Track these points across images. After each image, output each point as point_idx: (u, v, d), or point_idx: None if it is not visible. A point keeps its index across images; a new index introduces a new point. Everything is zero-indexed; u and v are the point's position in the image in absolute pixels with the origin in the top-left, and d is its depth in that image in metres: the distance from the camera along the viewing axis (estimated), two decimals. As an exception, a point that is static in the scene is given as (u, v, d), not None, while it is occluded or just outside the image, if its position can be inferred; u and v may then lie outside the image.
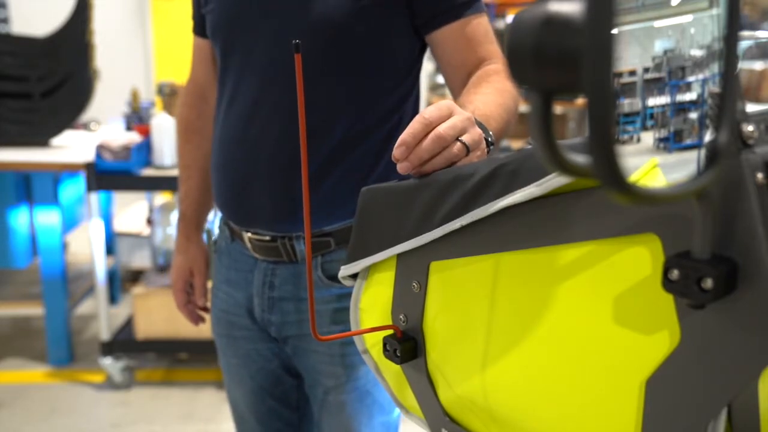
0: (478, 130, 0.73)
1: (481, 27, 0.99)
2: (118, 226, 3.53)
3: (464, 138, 0.70)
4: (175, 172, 2.52)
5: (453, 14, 0.97)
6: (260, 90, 1.00)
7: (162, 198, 3.44)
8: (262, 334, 1.13)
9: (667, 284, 0.43)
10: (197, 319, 1.29)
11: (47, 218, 2.75)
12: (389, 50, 1.00)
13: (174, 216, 2.87)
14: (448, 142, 0.69)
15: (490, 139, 0.77)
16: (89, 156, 2.53)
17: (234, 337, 1.16)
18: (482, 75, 0.96)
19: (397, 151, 0.67)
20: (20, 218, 2.77)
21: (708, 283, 0.41)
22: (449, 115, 0.70)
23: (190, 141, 1.20)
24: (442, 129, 0.68)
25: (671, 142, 0.45)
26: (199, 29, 1.15)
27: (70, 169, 2.73)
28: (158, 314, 2.65)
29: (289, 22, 0.97)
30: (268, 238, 1.05)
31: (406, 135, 0.68)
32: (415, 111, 1.07)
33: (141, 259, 3.42)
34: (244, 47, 1.00)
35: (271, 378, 1.16)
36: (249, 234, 1.07)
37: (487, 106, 0.87)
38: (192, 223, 1.24)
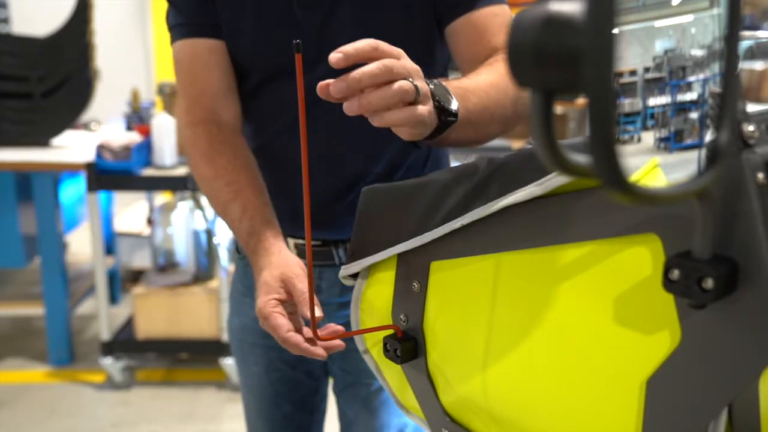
0: (426, 85, 0.68)
1: (497, 18, 0.95)
2: (119, 226, 3.53)
3: (416, 82, 0.65)
4: (176, 172, 2.53)
5: (465, 6, 0.94)
6: (308, 108, 0.97)
7: (162, 198, 3.44)
8: None
9: (668, 284, 0.43)
10: (321, 349, 0.81)
11: (47, 218, 2.75)
12: (436, 58, 1.00)
13: (175, 215, 2.88)
14: (395, 76, 0.63)
15: (449, 107, 0.72)
16: (89, 156, 2.53)
17: (260, 345, 1.14)
18: (491, 61, 0.92)
19: (333, 57, 0.62)
20: (20, 218, 2.77)
21: (709, 283, 0.41)
22: (399, 57, 0.66)
23: (223, 153, 0.98)
24: (390, 61, 0.63)
25: (672, 142, 0.45)
26: (211, 30, 1.00)
27: (71, 169, 2.74)
28: (158, 314, 2.65)
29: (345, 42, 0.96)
30: (318, 242, 1.04)
31: (348, 46, 0.62)
32: None
33: (141, 259, 3.42)
34: (291, 67, 0.97)
35: (292, 384, 1.16)
36: (295, 240, 1.05)
37: (473, 82, 0.82)
38: (268, 234, 0.92)
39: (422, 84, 0.67)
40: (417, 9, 0.96)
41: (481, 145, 0.90)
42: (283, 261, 0.87)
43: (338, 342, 0.79)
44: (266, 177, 0.98)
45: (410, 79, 0.64)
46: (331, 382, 1.19)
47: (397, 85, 0.63)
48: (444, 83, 0.75)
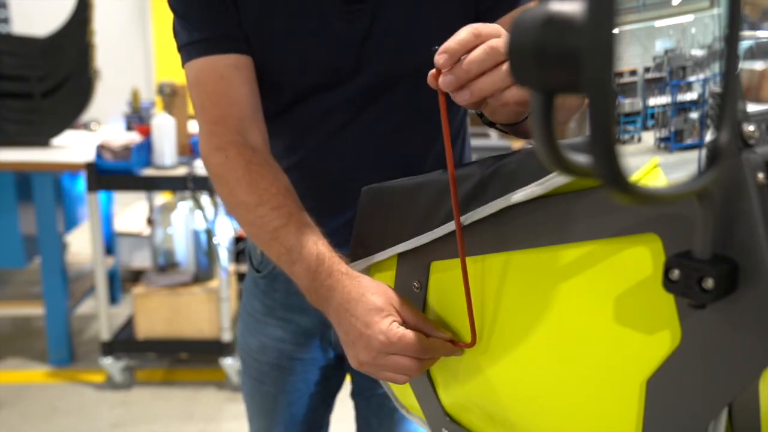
0: None
1: None
2: (119, 226, 3.54)
3: None
4: (176, 172, 2.53)
5: (508, 4, 0.89)
6: (350, 118, 0.94)
7: (162, 198, 3.44)
8: (324, 360, 1.08)
9: (668, 284, 0.43)
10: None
11: (47, 218, 2.75)
12: None
13: (175, 215, 2.88)
14: (502, 58, 0.59)
15: None
16: (89, 156, 2.54)
17: (280, 366, 1.09)
18: None
19: (440, 58, 0.60)
20: (20, 218, 2.77)
21: (709, 283, 0.41)
22: (499, 35, 0.62)
23: (264, 176, 0.88)
24: (496, 42, 0.60)
25: (672, 142, 0.45)
26: (235, 44, 0.91)
27: (71, 169, 2.74)
28: (158, 314, 2.65)
29: (392, 60, 0.91)
30: None
31: (451, 42, 0.60)
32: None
33: (141, 259, 3.42)
34: (328, 80, 0.93)
35: (310, 404, 1.13)
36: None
37: None
38: (337, 258, 0.81)
39: None
40: (458, 13, 0.91)
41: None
42: (380, 286, 0.75)
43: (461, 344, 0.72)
44: (305, 195, 0.90)
45: None
46: (348, 386, 1.16)
47: (505, 66, 0.60)
48: None
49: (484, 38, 0.60)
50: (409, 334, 0.69)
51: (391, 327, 0.71)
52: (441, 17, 0.91)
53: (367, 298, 0.73)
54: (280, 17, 0.89)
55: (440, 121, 0.87)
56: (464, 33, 0.60)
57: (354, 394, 1.15)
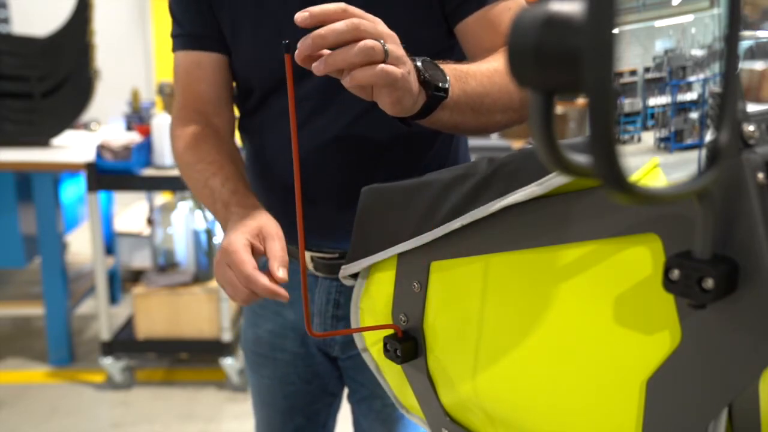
0: (402, 51, 0.67)
1: (510, 13, 0.91)
2: (119, 226, 3.54)
3: (386, 45, 0.64)
4: (176, 172, 2.52)
5: (477, 3, 0.91)
6: (316, 111, 0.96)
7: (162, 198, 3.44)
8: (309, 356, 1.09)
9: (668, 284, 0.43)
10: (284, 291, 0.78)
11: (47, 218, 2.75)
12: (454, 56, 0.96)
13: (175, 215, 2.88)
14: (362, 35, 0.62)
15: (439, 83, 0.72)
16: (90, 156, 2.54)
17: (274, 358, 1.12)
18: (500, 50, 0.88)
19: (299, 15, 0.63)
20: (20, 218, 2.77)
21: (709, 284, 0.41)
22: (374, 22, 0.66)
23: (207, 141, 0.98)
24: (358, 20, 0.63)
25: (672, 142, 0.45)
26: (204, 43, 1.00)
27: (71, 169, 2.74)
28: (158, 314, 2.65)
29: None
30: (336, 255, 1.00)
31: (315, 7, 0.62)
32: None
33: (141, 259, 3.42)
34: (295, 73, 0.97)
35: (307, 398, 1.14)
36: (311, 252, 1.02)
37: (475, 66, 0.80)
38: (252, 197, 0.90)
39: (396, 48, 0.66)
40: (423, 10, 0.93)
41: (486, 134, 0.88)
42: (267, 218, 0.83)
43: (284, 292, 0.77)
44: (284, 188, 0.95)
45: (381, 41, 0.63)
46: (345, 390, 1.16)
47: (362, 42, 0.62)
48: (441, 64, 0.74)
49: (350, 15, 0.62)
50: (241, 254, 0.75)
51: (237, 239, 0.78)
52: (404, 15, 0.92)
53: (246, 214, 0.83)
54: (249, 16, 0.95)
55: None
56: (332, 5, 0.62)
57: (348, 397, 1.15)
